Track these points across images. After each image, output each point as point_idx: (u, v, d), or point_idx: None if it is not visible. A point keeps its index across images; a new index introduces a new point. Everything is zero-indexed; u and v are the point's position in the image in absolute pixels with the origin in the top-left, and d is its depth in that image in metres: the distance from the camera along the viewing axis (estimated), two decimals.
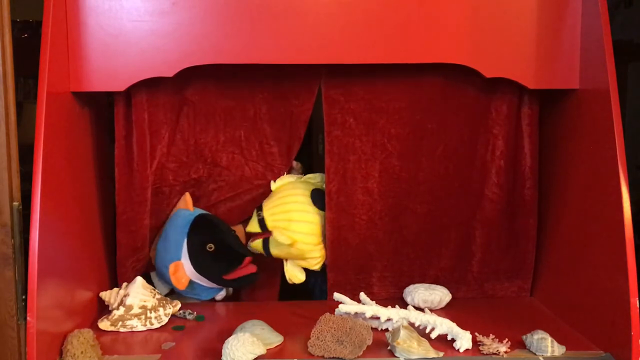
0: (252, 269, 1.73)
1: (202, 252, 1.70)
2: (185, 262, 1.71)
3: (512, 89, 1.70)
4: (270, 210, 1.72)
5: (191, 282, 1.72)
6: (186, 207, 1.76)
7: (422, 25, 1.52)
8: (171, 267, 1.70)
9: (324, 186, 1.79)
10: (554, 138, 1.71)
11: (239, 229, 1.82)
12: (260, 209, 1.74)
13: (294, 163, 1.85)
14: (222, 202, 1.82)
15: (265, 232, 1.73)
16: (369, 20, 1.51)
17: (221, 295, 1.79)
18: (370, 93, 1.72)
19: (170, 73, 1.51)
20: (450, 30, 1.53)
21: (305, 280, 1.79)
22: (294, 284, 1.78)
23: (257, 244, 1.74)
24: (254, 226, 1.74)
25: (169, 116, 1.71)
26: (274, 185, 1.77)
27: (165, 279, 1.74)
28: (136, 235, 1.70)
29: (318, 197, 1.76)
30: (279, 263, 1.79)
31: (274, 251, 1.73)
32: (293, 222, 1.71)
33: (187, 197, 1.77)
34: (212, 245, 1.70)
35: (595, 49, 1.48)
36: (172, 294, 1.79)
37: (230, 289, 1.82)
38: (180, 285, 1.71)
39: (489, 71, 1.56)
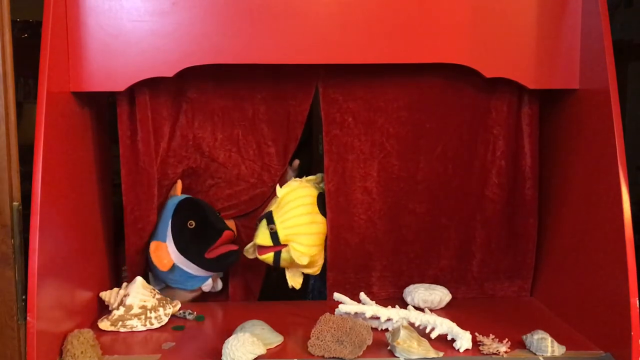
0: (233, 247, 1.73)
1: (184, 230, 1.70)
2: (169, 244, 1.71)
3: (512, 89, 1.70)
4: (283, 224, 1.66)
5: (176, 269, 1.72)
6: (175, 194, 1.77)
7: (421, 25, 1.52)
8: (152, 245, 1.70)
9: (323, 186, 1.79)
10: (554, 138, 1.71)
11: (230, 223, 1.81)
12: (271, 220, 1.66)
13: (294, 161, 1.85)
14: (220, 200, 1.82)
15: (277, 246, 1.67)
16: (368, 20, 1.51)
17: (208, 285, 1.78)
18: (369, 92, 1.72)
19: (170, 73, 1.51)
20: (450, 30, 1.53)
21: (305, 281, 1.79)
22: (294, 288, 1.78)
23: (268, 257, 1.68)
24: (265, 239, 1.66)
25: (170, 113, 1.72)
26: (279, 192, 1.68)
27: (155, 272, 1.74)
28: (143, 232, 1.71)
29: (322, 204, 1.74)
30: (262, 265, 1.78)
31: (286, 264, 1.70)
32: (303, 235, 1.68)
33: (178, 183, 1.78)
34: (193, 222, 1.70)
35: (595, 49, 1.48)
36: (167, 289, 1.78)
37: (220, 283, 1.82)
38: (162, 265, 1.69)
39: (489, 71, 1.56)
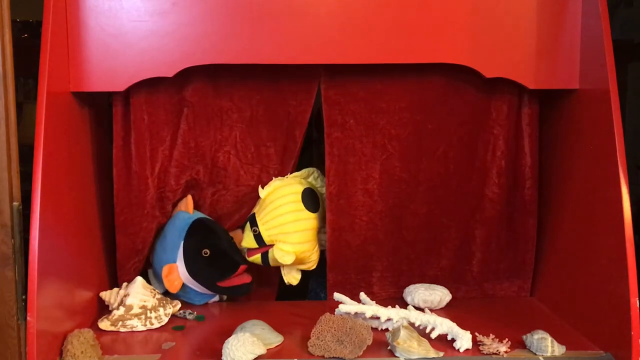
0: (247, 279, 1.71)
1: (197, 257, 1.68)
2: (180, 265, 1.70)
3: (512, 89, 1.70)
4: (266, 225, 1.67)
5: (184, 286, 1.71)
6: (186, 210, 1.75)
7: (422, 25, 1.52)
8: (164, 270, 1.69)
9: (313, 182, 1.78)
10: (554, 138, 1.71)
11: (236, 234, 1.79)
12: (254, 223, 1.68)
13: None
14: (225, 207, 1.81)
15: (263, 247, 1.69)
16: (368, 20, 1.51)
17: (214, 301, 1.77)
18: (370, 94, 1.71)
19: (170, 73, 1.51)
20: (450, 30, 1.53)
21: (305, 282, 1.78)
22: (291, 285, 1.78)
23: (256, 259, 1.71)
24: (250, 242, 1.69)
25: (169, 118, 1.70)
26: (262, 192, 1.69)
27: (161, 280, 1.74)
28: (135, 237, 1.70)
29: (309, 199, 1.73)
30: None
31: (274, 264, 1.71)
32: (289, 234, 1.67)
33: (189, 199, 1.75)
34: (208, 251, 1.68)
35: (595, 49, 1.48)
36: (168, 293, 1.78)
37: (224, 296, 1.82)
38: (173, 288, 1.69)
39: (489, 71, 1.56)
